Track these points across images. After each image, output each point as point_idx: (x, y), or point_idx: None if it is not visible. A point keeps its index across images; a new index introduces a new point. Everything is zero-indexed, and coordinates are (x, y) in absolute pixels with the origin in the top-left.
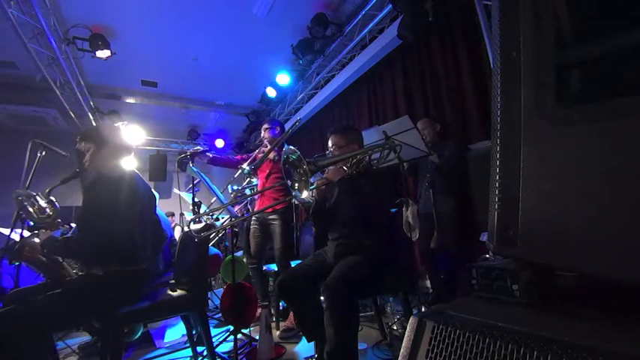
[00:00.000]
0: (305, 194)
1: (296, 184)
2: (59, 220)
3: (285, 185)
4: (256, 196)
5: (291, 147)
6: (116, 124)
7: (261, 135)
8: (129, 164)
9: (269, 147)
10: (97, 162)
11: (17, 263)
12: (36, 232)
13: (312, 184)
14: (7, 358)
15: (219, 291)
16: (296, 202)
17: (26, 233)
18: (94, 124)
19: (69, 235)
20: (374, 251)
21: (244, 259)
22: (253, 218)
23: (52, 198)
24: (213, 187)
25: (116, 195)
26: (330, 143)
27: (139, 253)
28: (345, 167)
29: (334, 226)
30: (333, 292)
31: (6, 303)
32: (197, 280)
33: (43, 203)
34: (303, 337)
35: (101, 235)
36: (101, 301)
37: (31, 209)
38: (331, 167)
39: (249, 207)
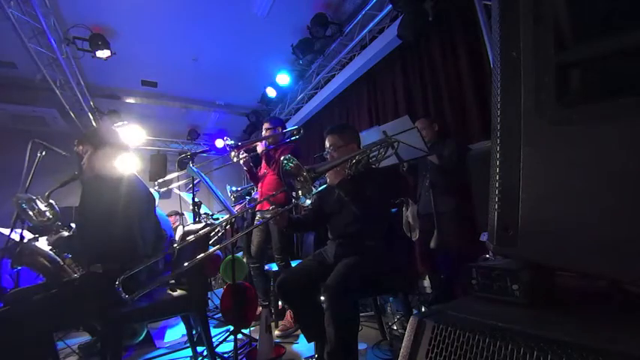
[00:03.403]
0: (309, 201)
1: (299, 192)
2: (59, 223)
3: (282, 184)
4: (257, 196)
5: (287, 155)
6: (115, 125)
7: (262, 134)
8: (131, 165)
9: (272, 145)
10: (95, 164)
11: (18, 267)
12: (36, 235)
13: (315, 187)
14: (7, 358)
15: (219, 291)
16: (296, 203)
17: (26, 233)
18: (94, 124)
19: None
20: (374, 251)
21: (244, 259)
22: (256, 218)
23: (51, 201)
24: (213, 187)
25: (114, 195)
26: (327, 144)
27: (138, 252)
28: (345, 169)
29: (335, 226)
30: (334, 293)
31: (6, 303)
32: (197, 280)
33: (42, 207)
34: (303, 337)
35: (100, 233)
36: (101, 301)
37: (31, 213)
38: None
39: (247, 207)
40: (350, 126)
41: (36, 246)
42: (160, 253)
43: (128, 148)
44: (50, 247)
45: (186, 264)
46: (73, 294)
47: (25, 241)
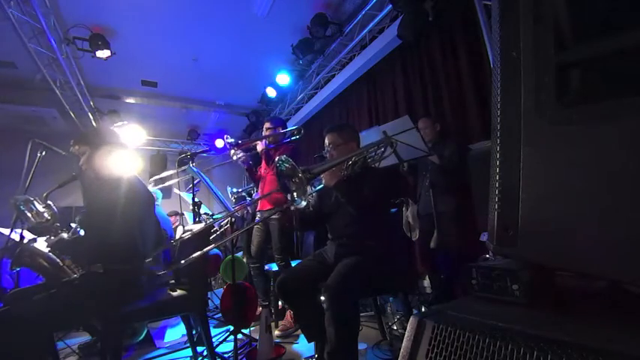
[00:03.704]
0: (304, 202)
1: (295, 193)
2: (57, 224)
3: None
4: (257, 196)
5: (283, 156)
6: (115, 125)
7: (263, 134)
8: (131, 165)
9: (272, 144)
10: (94, 164)
11: (18, 269)
12: (35, 236)
13: (314, 186)
14: (7, 358)
15: (219, 291)
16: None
17: (26, 233)
18: (94, 124)
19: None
20: (374, 251)
21: (244, 259)
22: (257, 218)
23: (49, 202)
24: (213, 187)
25: (114, 195)
26: (326, 142)
27: (138, 253)
28: (341, 170)
29: (335, 226)
30: (334, 293)
31: (6, 303)
32: (197, 280)
33: (40, 208)
34: (303, 337)
35: (101, 234)
36: (101, 300)
37: (29, 214)
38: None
39: (248, 208)
40: (349, 125)
41: (35, 247)
42: (159, 252)
43: (126, 147)
44: (49, 250)
45: (182, 262)
46: (73, 294)
47: (25, 241)
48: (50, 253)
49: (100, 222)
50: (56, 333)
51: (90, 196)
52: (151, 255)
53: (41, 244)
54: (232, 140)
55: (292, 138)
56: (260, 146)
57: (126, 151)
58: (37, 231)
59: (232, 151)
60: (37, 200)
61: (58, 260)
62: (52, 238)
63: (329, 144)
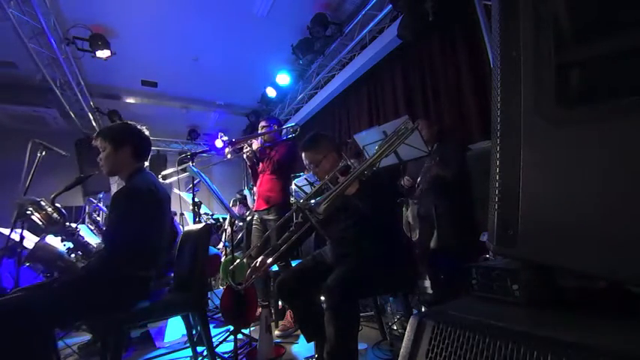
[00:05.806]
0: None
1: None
2: (68, 223)
3: (279, 182)
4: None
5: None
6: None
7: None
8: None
9: (269, 143)
10: (113, 165)
11: (28, 264)
12: (44, 234)
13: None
14: (7, 357)
15: (219, 291)
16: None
17: (26, 233)
18: (94, 124)
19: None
20: (374, 252)
21: (244, 260)
22: (255, 218)
23: (57, 205)
24: (213, 187)
25: (136, 204)
26: (305, 161)
27: (151, 259)
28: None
29: (335, 227)
30: (334, 293)
31: None
32: (197, 280)
33: (49, 209)
34: (303, 337)
35: (115, 238)
36: (104, 301)
37: (38, 215)
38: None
39: (249, 205)
40: (322, 135)
41: (48, 243)
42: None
43: (149, 150)
44: (66, 246)
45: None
46: (76, 292)
47: (26, 241)
48: (62, 250)
49: (118, 230)
50: (58, 331)
51: (113, 205)
52: (163, 259)
53: (54, 242)
54: (226, 139)
55: (289, 137)
56: (256, 144)
57: (147, 154)
58: (51, 232)
59: (227, 150)
60: (44, 201)
61: (69, 257)
62: (64, 237)
63: (309, 163)
